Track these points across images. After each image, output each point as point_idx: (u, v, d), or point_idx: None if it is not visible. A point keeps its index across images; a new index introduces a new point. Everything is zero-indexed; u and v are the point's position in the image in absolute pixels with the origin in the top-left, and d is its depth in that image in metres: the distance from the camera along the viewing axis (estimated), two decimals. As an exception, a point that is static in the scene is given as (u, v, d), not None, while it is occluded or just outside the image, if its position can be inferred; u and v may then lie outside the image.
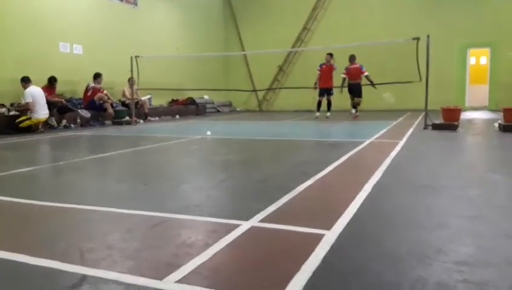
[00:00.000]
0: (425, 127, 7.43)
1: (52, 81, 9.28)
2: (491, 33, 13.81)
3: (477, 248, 1.85)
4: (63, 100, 9.50)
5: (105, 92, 10.35)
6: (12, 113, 8.34)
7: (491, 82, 14.43)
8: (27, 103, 8.20)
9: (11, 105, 8.63)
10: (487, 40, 14.03)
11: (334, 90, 11.09)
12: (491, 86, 14.45)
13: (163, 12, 14.30)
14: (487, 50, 14.59)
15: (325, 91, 10.91)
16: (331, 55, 10.95)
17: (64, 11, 10.52)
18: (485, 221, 2.25)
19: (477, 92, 14.79)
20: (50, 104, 8.77)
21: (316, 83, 11.00)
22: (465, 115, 10.83)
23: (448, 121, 7.27)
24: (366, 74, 10.71)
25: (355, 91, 10.84)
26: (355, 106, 11.01)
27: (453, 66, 14.40)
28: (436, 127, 7.23)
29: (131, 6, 12.81)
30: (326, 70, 10.84)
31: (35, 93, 8.34)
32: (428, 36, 7.61)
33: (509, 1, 13.62)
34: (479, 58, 15.65)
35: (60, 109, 9.31)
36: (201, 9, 16.40)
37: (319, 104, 11.07)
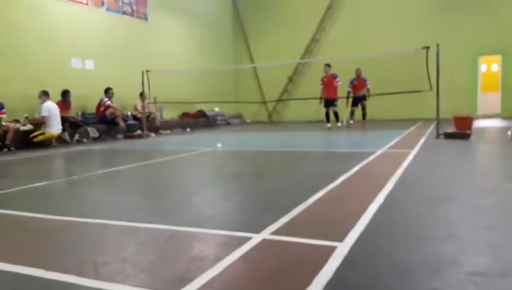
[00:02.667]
0: (438, 136, 7.37)
1: (65, 94, 9.45)
2: (502, 40, 13.71)
3: (491, 258, 1.82)
4: (74, 116, 9.66)
5: (111, 109, 10.33)
6: (24, 128, 8.44)
7: (503, 90, 14.27)
8: (43, 117, 8.38)
9: (26, 118, 8.77)
10: (498, 48, 13.92)
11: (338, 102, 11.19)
12: (503, 93, 14.29)
13: (173, 26, 14.51)
14: (498, 57, 14.46)
15: (330, 102, 10.93)
16: (328, 66, 11.03)
17: (76, 27, 10.75)
18: (499, 231, 2.22)
19: (489, 99, 14.63)
20: (62, 119, 8.94)
21: (321, 98, 11.06)
22: (478, 124, 10.70)
23: (461, 129, 7.20)
24: (368, 86, 11.15)
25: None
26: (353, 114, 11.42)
27: (464, 74, 14.29)
28: (448, 136, 7.16)
29: (142, 21, 13.05)
30: (329, 82, 10.89)
31: (52, 108, 8.54)
32: (438, 45, 7.59)
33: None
34: (490, 66, 15.52)
35: (72, 124, 9.47)
36: (211, 23, 16.61)
37: (327, 115, 11.09)
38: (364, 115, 11.35)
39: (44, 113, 8.40)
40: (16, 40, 9.32)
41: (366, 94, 11.16)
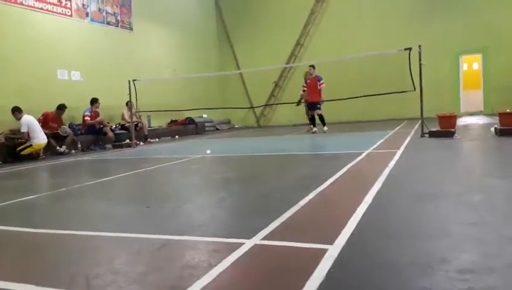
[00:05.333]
0: (422, 135, 7.49)
1: (60, 108, 9.51)
2: (482, 39, 14.03)
3: (480, 254, 1.85)
4: (59, 130, 9.54)
5: (99, 118, 10.41)
6: (2, 138, 8.24)
7: (485, 87, 14.59)
8: (23, 133, 8.24)
9: (10, 131, 8.61)
10: (479, 46, 14.24)
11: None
12: (485, 90, 14.61)
13: (158, 36, 14.56)
14: (479, 56, 14.79)
15: (313, 105, 10.71)
16: (313, 67, 10.77)
17: (61, 39, 10.75)
18: (486, 227, 2.26)
19: (472, 97, 14.94)
20: (46, 132, 8.85)
21: (299, 100, 10.98)
22: (461, 121, 10.89)
23: (445, 128, 7.32)
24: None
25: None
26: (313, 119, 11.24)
27: (446, 73, 14.58)
28: (433, 134, 7.29)
29: (127, 31, 13.07)
30: (312, 84, 10.65)
31: (30, 121, 8.40)
32: (419, 46, 7.73)
33: (498, 8, 13.89)
34: (471, 64, 15.86)
35: (56, 137, 9.36)
36: (196, 31, 16.69)
37: (312, 118, 10.91)
38: (310, 119, 11.20)
39: (23, 129, 8.22)
40: (0, 52, 9.22)
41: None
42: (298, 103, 11.65)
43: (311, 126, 11.00)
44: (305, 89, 10.92)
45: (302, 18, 16.55)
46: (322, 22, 16.34)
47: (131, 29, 13.23)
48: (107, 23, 12.28)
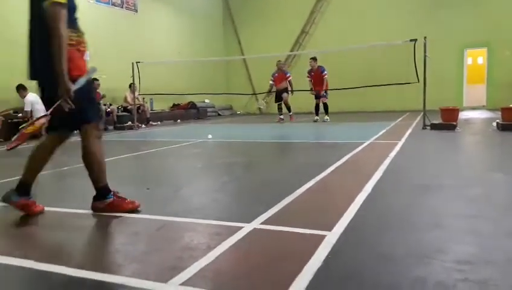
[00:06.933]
0: (424, 127, 7.48)
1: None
2: (488, 33, 13.90)
3: (477, 246, 1.86)
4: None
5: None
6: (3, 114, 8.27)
7: (489, 81, 14.50)
8: (26, 111, 8.23)
9: (14, 112, 8.59)
10: (484, 40, 14.11)
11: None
12: (488, 85, 14.52)
13: (163, 18, 14.44)
14: (484, 50, 14.66)
15: (319, 95, 10.92)
16: (314, 59, 10.96)
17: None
18: (485, 220, 2.27)
19: (475, 91, 14.86)
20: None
21: (311, 89, 11.07)
22: (463, 115, 10.86)
23: (447, 121, 7.31)
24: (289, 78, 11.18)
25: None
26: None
27: (451, 66, 14.48)
28: (434, 127, 7.27)
29: (132, 13, 12.97)
30: (316, 75, 10.87)
31: (35, 100, 8.39)
32: (425, 38, 7.66)
33: (504, 1, 13.72)
34: (475, 59, 15.73)
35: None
36: (201, 15, 16.55)
37: (317, 107, 11.03)
38: (288, 108, 11.36)
39: (27, 108, 8.19)
40: (8, 33, 9.12)
41: (289, 87, 11.12)
42: (269, 92, 11.75)
43: (281, 116, 11.23)
44: (273, 80, 11.30)
45: (308, 5, 16.37)
46: (328, 11, 16.18)
47: (136, 10, 13.11)
48: (112, 4, 12.17)
